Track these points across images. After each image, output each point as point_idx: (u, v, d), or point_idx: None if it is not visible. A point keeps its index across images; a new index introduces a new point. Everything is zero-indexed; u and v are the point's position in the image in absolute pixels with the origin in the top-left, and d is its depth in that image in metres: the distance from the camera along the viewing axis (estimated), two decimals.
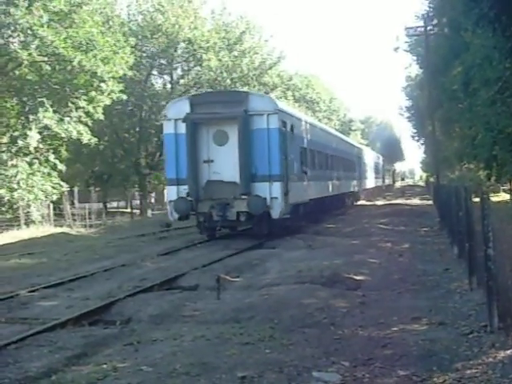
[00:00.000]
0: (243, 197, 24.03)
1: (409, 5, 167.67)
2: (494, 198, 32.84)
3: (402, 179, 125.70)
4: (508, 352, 7.95)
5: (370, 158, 69.84)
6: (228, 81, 52.52)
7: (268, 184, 24.17)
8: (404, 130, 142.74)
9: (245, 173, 23.95)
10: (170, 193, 25.99)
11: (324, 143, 37.77)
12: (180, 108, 25.25)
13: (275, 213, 24.29)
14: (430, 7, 43.91)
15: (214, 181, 24.66)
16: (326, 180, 37.45)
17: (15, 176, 31.77)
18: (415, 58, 57.35)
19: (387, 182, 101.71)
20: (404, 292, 13.19)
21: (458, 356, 8.19)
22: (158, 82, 57.15)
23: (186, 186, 24.62)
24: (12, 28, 30.86)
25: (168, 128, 25.68)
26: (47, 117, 30.81)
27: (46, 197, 32.60)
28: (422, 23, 45.02)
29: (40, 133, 31.31)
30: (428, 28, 43.24)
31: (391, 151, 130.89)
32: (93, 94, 33.19)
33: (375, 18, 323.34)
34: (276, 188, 24.33)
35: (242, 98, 25.19)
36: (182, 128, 24.66)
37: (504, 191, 46.74)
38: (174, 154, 25.21)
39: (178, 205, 24.80)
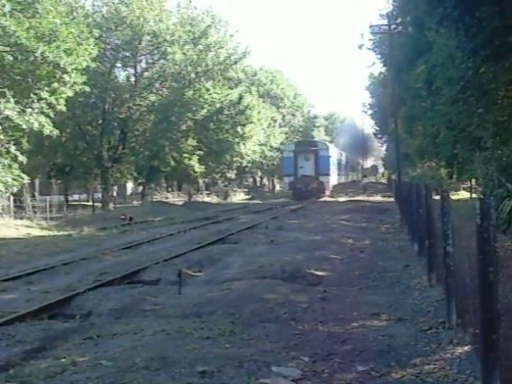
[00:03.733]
0: (315, 182, 60.79)
1: (374, 3, 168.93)
2: (455, 196, 33.25)
3: (365, 176, 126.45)
4: (465, 348, 8.06)
5: (334, 155, 78.06)
6: (192, 75, 52.38)
7: (325, 177, 62.22)
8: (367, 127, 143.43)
9: (316, 172, 61.86)
10: (287, 179, 64.20)
11: (337, 157, 77.15)
12: (290, 147, 65.66)
13: (327, 189, 62.71)
14: (394, 6, 44.26)
15: (303, 175, 61.47)
16: (337, 175, 74.61)
17: None
18: (379, 56, 57.79)
19: (350, 178, 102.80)
20: (364, 288, 13.30)
21: (416, 352, 8.28)
22: (121, 75, 56.64)
23: (292, 177, 61.77)
24: None
25: (286, 154, 65.59)
26: (8, 108, 30.27)
27: (6, 189, 32.09)
28: (386, 21, 45.34)
29: (1, 124, 30.77)
30: (392, 26, 43.55)
31: (359, 147, 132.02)
32: (55, 85, 32.66)
33: (341, 14, 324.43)
34: (328, 178, 63.10)
35: (315, 143, 67.30)
36: (291, 154, 63.28)
37: (464, 189, 47.30)
38: (286, 164, 63.98)
39: (290, 184, 62.14)
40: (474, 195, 33.55)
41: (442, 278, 10.76)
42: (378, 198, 61.33)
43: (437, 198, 11.58)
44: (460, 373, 7.26)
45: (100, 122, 52.04)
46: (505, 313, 5.79)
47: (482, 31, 18.01)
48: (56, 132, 34.23)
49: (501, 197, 13.87)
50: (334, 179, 69.03)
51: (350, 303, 11.70)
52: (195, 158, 57.49)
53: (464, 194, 43.10)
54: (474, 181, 33.79)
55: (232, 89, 57.63)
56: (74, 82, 32.98)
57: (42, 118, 32.23)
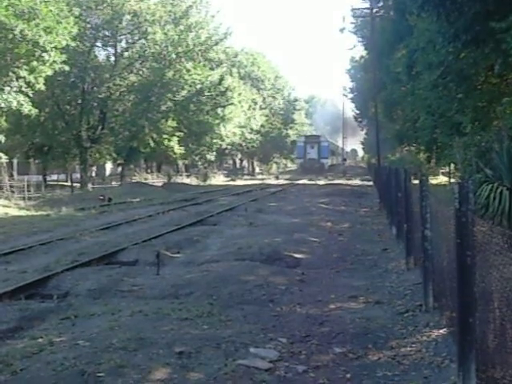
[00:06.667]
0: (317, 163, 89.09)
1: None
2: (433, 181, 33.42)
3: (344, 159, 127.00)
4: (441, 331, 8.11)
5: (330, 145, 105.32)
6: (173, 55, 52.05)
7: (324, 159, 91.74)
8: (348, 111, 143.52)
9: (318, 155, 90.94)
10: (298, 161, 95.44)
11: (332, 147, 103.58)
12: (301, 139, 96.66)
13: (326, 167, 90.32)
14: None
15: (310, 158, 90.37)
16: (331, 159, 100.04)
17: None
18: (360, 39, 57.70)
19: (335, 161, 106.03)
20: (342, 271, 13.36)
21: (393, 334, 8.33)
22: (101, 54, 56.21)
23: (302, 159, 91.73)
24: None
25: (298, 143, 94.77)
26: None
27: None
28: (368, 5, 45.24)
29: None
30: (374, 10, 43.43)
31: (339, 131, 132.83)
32: (34, 63, 32.38)
33: None
34: (327, 160, 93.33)
35: (319, 137, 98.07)
36: (302, 144, 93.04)
37: (443, 174, 47.48)
38: (298, 151, 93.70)
39: (301, 164, 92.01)
40: (452, 180, 33.71)
41: (419, 262, 10.83)
42: (357, 181, 61.63)
43: (416, 182, 11.63)
44: (436, 355, 7.32)
45: (79, 101, 51.66)
46: (481, 296, 5.83)
47: (462, 16, 18.00)
48: (35, 111, 34.00)
49: (479, 182, 13.93)
50: (329, 161, 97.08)
51: (327, 285, 11.76)
52: (175, 139, 57.27)
53: (443, 179, 43.30)
54: (452, 166, 33.92)
55: (213, 70, 57.37)
56: (54, 61, 32.71)
57: (21, 97, 31.96)
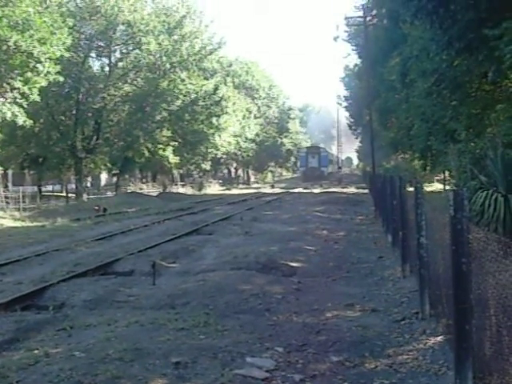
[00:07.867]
0: (318, 171, 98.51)
1: None
2: (428, 188, 33.43)
3: (340, 168, 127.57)
4: (438, 338, 8.12)
5: (329, 155, 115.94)
6: (167, 65, 52.10)
7: (324, 168, 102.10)
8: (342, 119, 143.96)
9: (318, 164, 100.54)
10: (301, 169, 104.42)
11: (329, 156, 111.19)
12: (303, 150, 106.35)
13: (325, 174, 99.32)
14: None
15: (311, 167, 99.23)
16: (330, 167, 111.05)
17: None
18: (354, 47, 57.87)
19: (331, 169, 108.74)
20: (338, 279, 13.35)
21: (389, 342, 8.33)
22: (95, 65, 56.24)
23: (304, 168, 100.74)
24: None
25: (301, 154, 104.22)
26: None
27: None
28: (361, 13, 45.40)
29: None
30: (367, 18, 43.59)
31: (334, 139, 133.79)
32: (29, 74, 32.32)
33: (316, 6, 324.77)
34: (326, 168, 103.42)
35: (319, 148, 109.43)
36: (304, 154, 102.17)
37: (438, 181, 47.52)
38: (301, 160, 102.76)
39: (303, 172, 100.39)
40: (447, 187, 33.73)
41: (415, 269, 10.84)
42: (352, 189, 61.66)
43: (411, 189, 11.65)
44: (433, 363, 7.32)
45: (74, 112, 51.57)
46: (477, 303, 5.84)
47: (456, 24, 18.08)
48: (29, 122, 33.94)
49: (474, 189, 13.95)
50: (328, 169, 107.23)
51: (324, 294, 11.75)
52: (170, 148, 57.29)
53: (437, 186, 43.34)
54: (447, 173, 33.95)
55: (207, 79, 57.42)
56: (48, 72, 32.65)
57: (15, 108, 31.91)
